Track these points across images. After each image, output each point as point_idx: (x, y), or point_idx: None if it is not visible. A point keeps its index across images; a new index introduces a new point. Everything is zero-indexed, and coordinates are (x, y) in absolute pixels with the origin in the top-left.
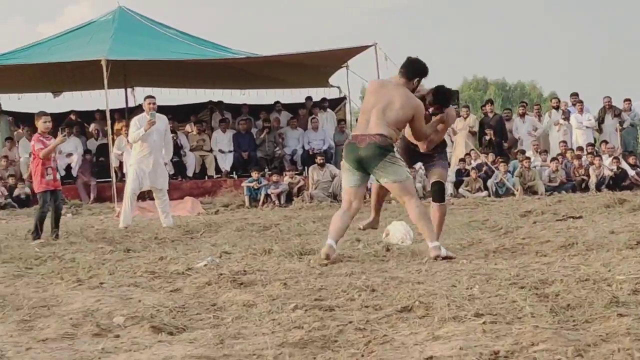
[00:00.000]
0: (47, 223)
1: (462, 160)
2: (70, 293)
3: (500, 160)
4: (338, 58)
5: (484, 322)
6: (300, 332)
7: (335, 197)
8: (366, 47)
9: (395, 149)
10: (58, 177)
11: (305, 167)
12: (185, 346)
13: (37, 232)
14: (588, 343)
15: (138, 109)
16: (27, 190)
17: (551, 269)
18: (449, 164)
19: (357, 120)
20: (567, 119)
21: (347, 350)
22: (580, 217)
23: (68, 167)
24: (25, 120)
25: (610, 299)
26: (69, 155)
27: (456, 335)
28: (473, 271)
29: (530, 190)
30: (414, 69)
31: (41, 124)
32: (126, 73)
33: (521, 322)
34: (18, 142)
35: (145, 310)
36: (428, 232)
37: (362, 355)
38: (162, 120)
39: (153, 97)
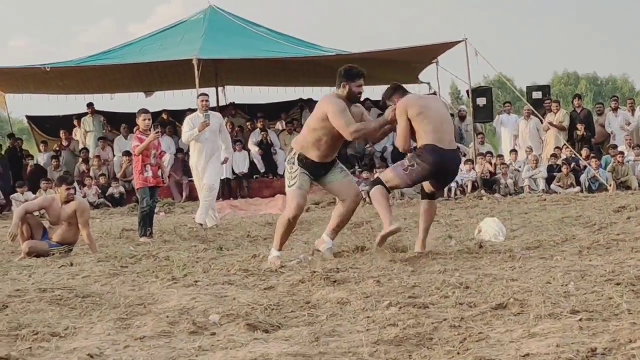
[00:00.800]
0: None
1: (554, 155)
2: (165, 291)
3: (592, 155)
4: (427, 54)
5: (580, 319)
6: (395, 329)
7: None
8: (456, 42)
9: (293, 159)
10: (159, 173)
11: None
12: (281, 344)
13: (143, 230)
14: None
15: (229, 108)
16: (121, 189)
17: None
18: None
19: None
20: None
21: (443, 347)
22: None
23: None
24: (118, 120)
25: None
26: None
27: (552, 333)
28: (567, 268)
29: (623, 185)
30: (337, 77)
31: (141, 122)
32: (217, 72)
33: (618, 319)
34: (112, 141)
35: (240, 308)
36: (276, 240)
37: (458, 353)
38: (217, 117)
39: (206, 94)
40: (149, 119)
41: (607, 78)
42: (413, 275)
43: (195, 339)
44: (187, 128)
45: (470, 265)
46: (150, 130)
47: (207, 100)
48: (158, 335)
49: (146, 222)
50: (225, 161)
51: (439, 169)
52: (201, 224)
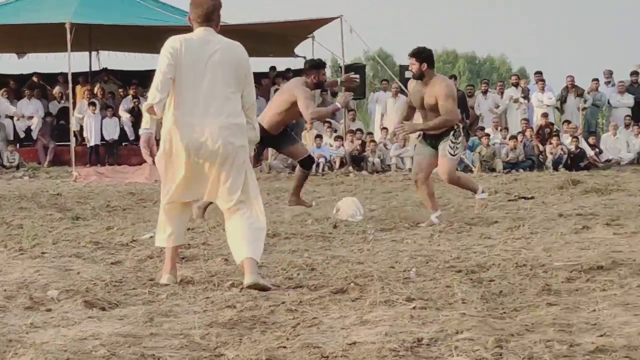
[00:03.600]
0: None
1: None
2: (11, 262)
3: None
4: (303, 28)
5: (413, 307)
6: (231, 311)
7: (294, 168)
8: (332, 18)
9: None
10: None
11: None
12: (114, 323)
13: None
14: (512, 332)
15: (102, 73)
16: None
17: (492, 252)
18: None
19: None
20: (526, 97)
21: (274, 332)
22: (532, 197)
23: (28, 130)
24: None
25: (542, 287)
26: (30, 117)
27: (384, 320)
28: (415, 252)
29: (488, 168)
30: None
31: None
32: (91, 37)
33: (451, 309)
34: None
35: (82, 284)
36: None
37: (288, 339)
38: None
39: None
40: None
41: (486, 58)
42: (263, 254)
43: (29, 315)
44: None
45: (321, 246)
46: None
47: None
48: None
49: None
50: None
51: None
52: None
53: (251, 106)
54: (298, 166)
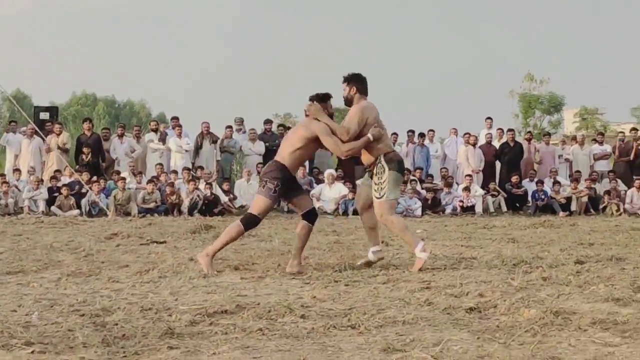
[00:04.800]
0: None
1: (54, 177)
2: None
3: (95, 180)
4: None
5: (32, 352)
6: None
7: None
8: None
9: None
10: None
11: None
12: None
13: None
14: None
15: None
16: None
17: (119, 296)
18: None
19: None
20: (163, 141)
21: None
22: (164, 242)
23: None
24: None
25: (165, 330)
26: None
27: None
28: (40, 295)
29: (123, 211)
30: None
31: None
32: None
33: (71, 353)
34: None
35: None
36: None
37: None
38: None
39: None
40: None
41: (126, 102)
42: None
43: None
44: None
45: None
46: None
47: None
48: None
49: None
50: None
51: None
52: None
53: None
54: (303, 222)
